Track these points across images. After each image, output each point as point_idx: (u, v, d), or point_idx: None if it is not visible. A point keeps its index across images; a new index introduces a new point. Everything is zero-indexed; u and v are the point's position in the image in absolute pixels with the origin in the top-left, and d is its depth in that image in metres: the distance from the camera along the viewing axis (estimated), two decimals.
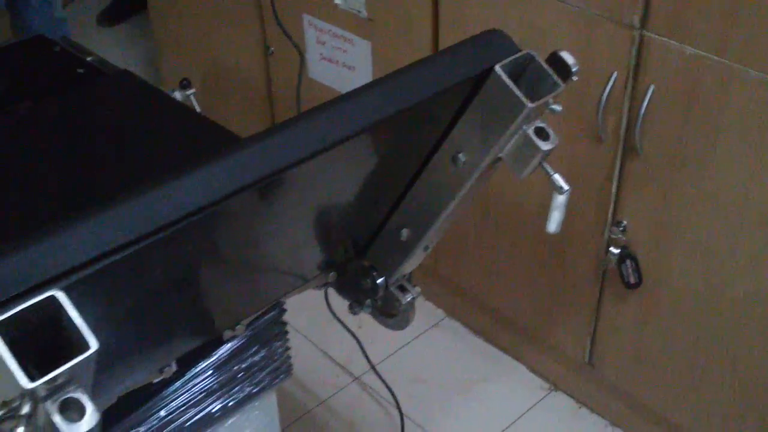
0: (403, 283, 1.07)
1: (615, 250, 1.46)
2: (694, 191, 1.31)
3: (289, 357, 1.20)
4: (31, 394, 0.55)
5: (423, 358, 1.84)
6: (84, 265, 0.56)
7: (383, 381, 1.71)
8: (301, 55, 1.68)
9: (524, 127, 0.79)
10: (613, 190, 1.42)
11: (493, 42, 0.79)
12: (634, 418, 1.66)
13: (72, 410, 0.58)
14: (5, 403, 0.56)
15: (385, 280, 1.05)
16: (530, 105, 0.76)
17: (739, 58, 1.16)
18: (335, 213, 0.98)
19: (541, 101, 0.77)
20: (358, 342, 1.70)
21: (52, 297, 0.55)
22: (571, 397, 1.76)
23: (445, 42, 1.55)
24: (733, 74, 1.18)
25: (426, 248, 0.99)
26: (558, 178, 0.81)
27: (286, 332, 1.19)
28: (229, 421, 1.18)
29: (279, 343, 1.18)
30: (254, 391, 1.17)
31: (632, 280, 1.47)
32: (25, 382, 0.53)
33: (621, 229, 1.44)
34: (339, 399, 1.77)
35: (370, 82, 0.79)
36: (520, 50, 0.79)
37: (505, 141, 0.81)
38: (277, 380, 1.20)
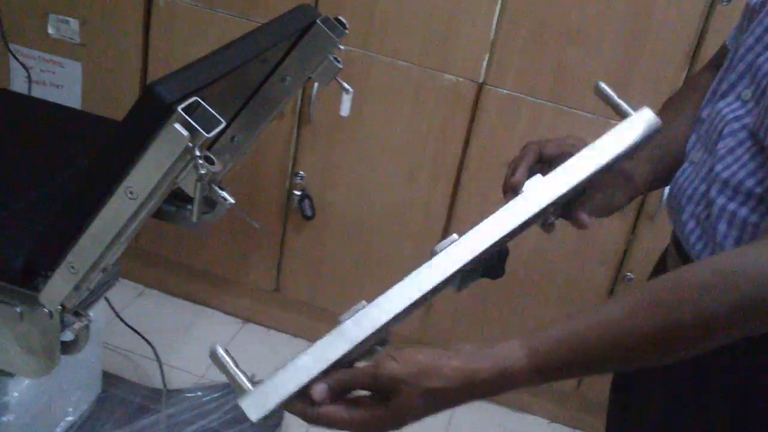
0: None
1: (297, 193, 2.13)
2: (349, 144, 2.06)
3: None
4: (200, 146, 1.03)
5: (139, 321, 2.27)
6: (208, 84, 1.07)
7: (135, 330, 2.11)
8: (29, 74, 2.06)
9: (329, 55, 1.45)
10: (292, 150, 2.10)
11: (305, 9, 1.44)
12: (315, 326, 2.32)
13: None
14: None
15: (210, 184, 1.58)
16: (338, 41, 1.42)
17: (376, 49, 1.95)
18: None
19: (340, 39, 1.44)
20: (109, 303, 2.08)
21: (197, 100, 1.05)
22: (261, 324, 2.36)
23: (156, 56, 2.09)
24: (371, 60, 1.96)
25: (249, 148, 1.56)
26: (344, 84, 1.48)
27: None
28: None
29: None
30: None
31: (309, 213, 2.16)
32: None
33: (300, 178, 2.12)
34: None
35: (249, 32, 1.35)
36: (321, 14, 1.45)
37: (317, 66, 1.45)
38: None
